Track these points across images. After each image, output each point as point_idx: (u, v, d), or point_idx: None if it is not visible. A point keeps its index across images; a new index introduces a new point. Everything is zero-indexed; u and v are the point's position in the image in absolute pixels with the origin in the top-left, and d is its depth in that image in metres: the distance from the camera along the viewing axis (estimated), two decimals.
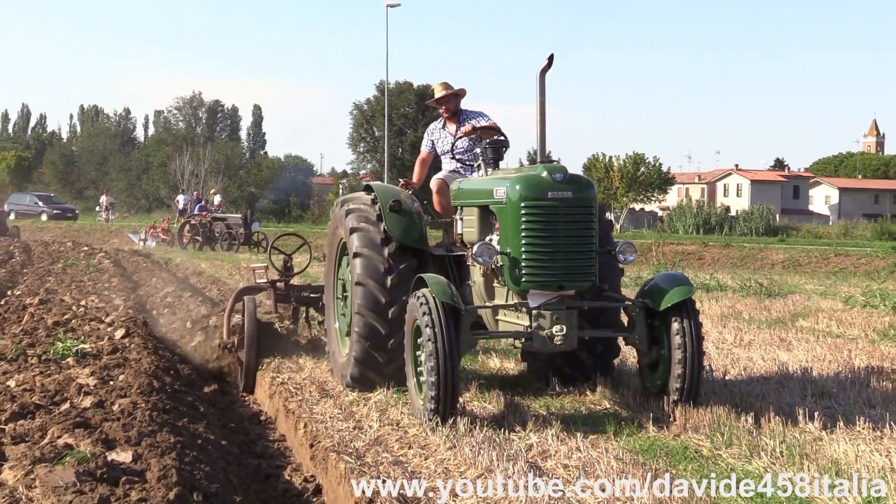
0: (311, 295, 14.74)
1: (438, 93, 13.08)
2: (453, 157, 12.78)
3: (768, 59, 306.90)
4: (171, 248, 49.68)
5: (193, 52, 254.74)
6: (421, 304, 9.45)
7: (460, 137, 12.70)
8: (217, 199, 66.97)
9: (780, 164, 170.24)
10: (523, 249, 9.72)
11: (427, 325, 9.26)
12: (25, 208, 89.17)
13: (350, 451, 9.22)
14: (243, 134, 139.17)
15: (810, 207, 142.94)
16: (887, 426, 9.63)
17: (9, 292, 22.92)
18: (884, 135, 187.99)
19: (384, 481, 8.16)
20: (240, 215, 53.93)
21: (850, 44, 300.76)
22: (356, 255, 11.28)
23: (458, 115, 13.07)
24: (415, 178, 13.05)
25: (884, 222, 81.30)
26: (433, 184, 12.70)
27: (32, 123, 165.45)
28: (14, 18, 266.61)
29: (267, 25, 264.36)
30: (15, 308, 19.31)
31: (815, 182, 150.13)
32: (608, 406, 11.13)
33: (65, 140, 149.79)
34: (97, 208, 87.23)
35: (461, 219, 11.57)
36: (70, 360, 12.57)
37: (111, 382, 10.80)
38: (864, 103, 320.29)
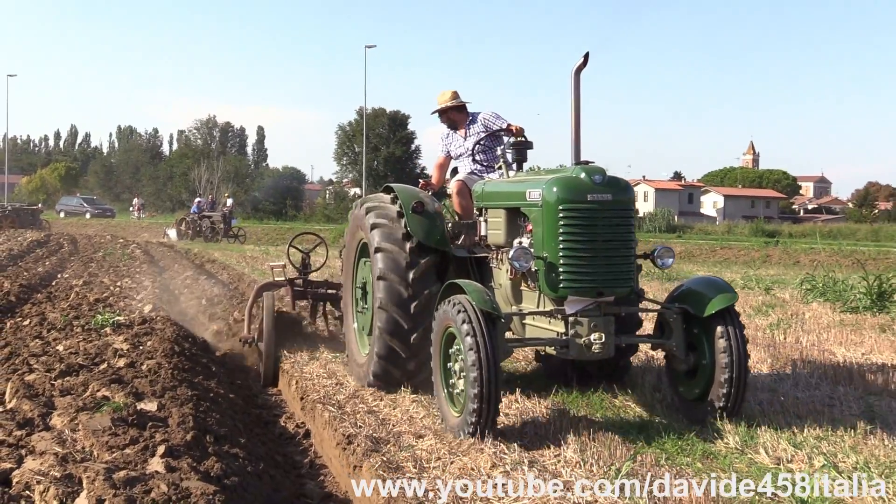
0: (328, 291, 12.81)
1: (440, 103, 10.88)
2: (473, 160, 10.60)
3: (669, 89, 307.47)
4: (191, 241, 49.42)
5: (209, 83, 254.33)
6: (459, 311, 7.48)
7: (473, 147, 10.55)
8: (230, 201, 67.29)
9: (678, 176, 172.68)
10: (561, 254, 7.77)
11: (468, 335, 7.29)
12: (73, 208, 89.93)
13: (332, 402, 9.23)
14: (249, 149, 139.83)
15: (702, 210, 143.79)
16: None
17: (59, 275, 22.93)
18: (758, 153, 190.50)
19: (360, 427, 8.16)
20: (220, 214, 54.10)
21: (735, 79, 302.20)
22: (378, 249, 9.28)
23: (464, 121, 10.93)
24: (434, 181, 10.89)
25: (759, 223, 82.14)
26: (453, 186, 10.51)
27: (79, 140, 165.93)
28: (65, 55, 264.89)
29: (270, 62, 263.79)
30: (63, 288, 19.38)
31: (706, 190, 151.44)
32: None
33: (105, 154, 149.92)
34: (130, 209, 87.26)
35: (485, 220, 9.43)
36: (108, 329, 12.56)
37: (140, 347, 10.75)
38: (744, 128, 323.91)
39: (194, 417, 7.48)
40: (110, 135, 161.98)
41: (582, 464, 6.87)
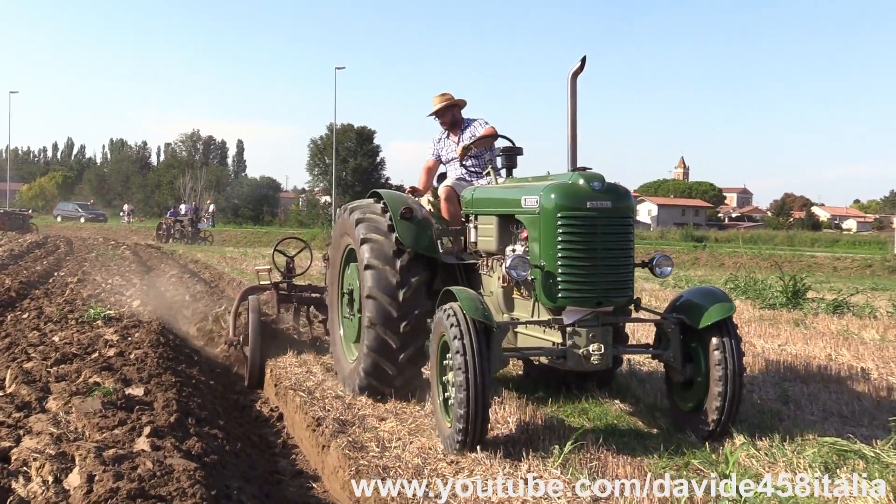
0: (312, 295, 11.85)
1: (436, 104, 9.59)
2: (462, 165, 9.35)
3: (611, 107, 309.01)
4: (174, 243, 49.22)
5: (194, 100, 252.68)
6: (449, 319, 6.52)
7: (465, 155, 9.28)
8: (212, 207, 67.68)
9: None
10: (560, 263, 6.75)
11: (458, 352, 6.31)
12: (68, 213, 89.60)
13: (303, 389, 9.23)
14: (229, 160, 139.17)
15: (638, 218, 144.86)
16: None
17: (55, 274, 22.81)
18: (688, 167, 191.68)
19: (328, 410, 8.17)
20: (188, 218, 54.33)
21: (669, 99, 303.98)
22: (367, 266, 8.12)
23: (458, 125, 9.66)
24: (421, 185, 9.68)
25: (688, 229, 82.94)
26: (442, 191, 9.24)
27: (75, 151, 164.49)
28: (62, 73, 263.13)
29: (248, 81, 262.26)
30: (59, 285, 19.34)
31: (641, 199, 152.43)
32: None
33: (98, 164, 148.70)
34: (121, 214, 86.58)
35: (475, 227, 8.29)
36: (99, 322, 12.51)
37: (129, 338, 10.74)
38: (676, 144, 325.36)
39: (177, 401, 7.49)
40: (103, 147, 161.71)
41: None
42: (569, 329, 6.80)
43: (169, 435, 6.45)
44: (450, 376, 6.71)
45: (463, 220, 8.69)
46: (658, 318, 7.44)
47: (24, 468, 5.56)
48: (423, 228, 8.25)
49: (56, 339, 10.79)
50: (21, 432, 6.40)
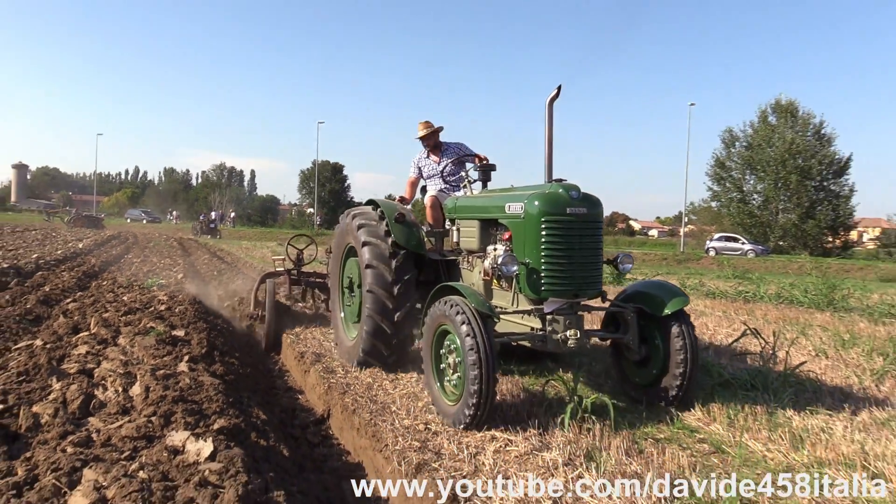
0: (317, 280, 10.76)
1: (421, 131, 8.45)
2: (443, 180, 8.27)
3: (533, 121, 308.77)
4: (209, 238, 48.70)
5: (222, 142, 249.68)
6: (458, 312, 5.31)
7: (446, 166, 8.26)
8: (233, 214, 67.22)
9: None
10: (543, 261, 5.69)
11: (468, 335, 5.15)
12: (135, 217, 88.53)
13: (293, 333, 9.19)
14: (245, 183, 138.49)
15: None
16: None
17: (125, 256, 22.39)
18: None
19: (308, 347, 8.11)
20: (207, 221, 54.74)
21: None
22: (368, 266, 7.01)
23: (439, 147, 8.53)
24: (407, 196, 8.49)
25: None
26: (427, 201, 8.20)
27: (140, 175, 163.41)
28: (132, 118, 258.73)
29: (260, 130, 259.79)
30: (128, 263, 18.99)
31: None
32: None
33: (156, 184, 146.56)
34: (170, 218, 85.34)
35: (457, 229, 7.17)
36: (154, 288, 12.28)
37: (174, 298, 10.57)
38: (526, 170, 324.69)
39: (207, 340, 7.42)
40: (159, 172, 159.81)
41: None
42: (548, 317, 5.73)
43: (201, 361, 6.42)
44: (450, 359, 5.47)
45: (449, 224, 7.42)
46: (620, 307, 6.14)
47: (103, 381, 5.50)
48: (413, 230, 7.22)
49: (125, 298, 10.59)
50: (100, 358, 6.32)
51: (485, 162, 7.76)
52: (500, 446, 4.78)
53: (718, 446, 5.00)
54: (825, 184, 56.50)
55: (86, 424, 4.64)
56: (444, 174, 8.30)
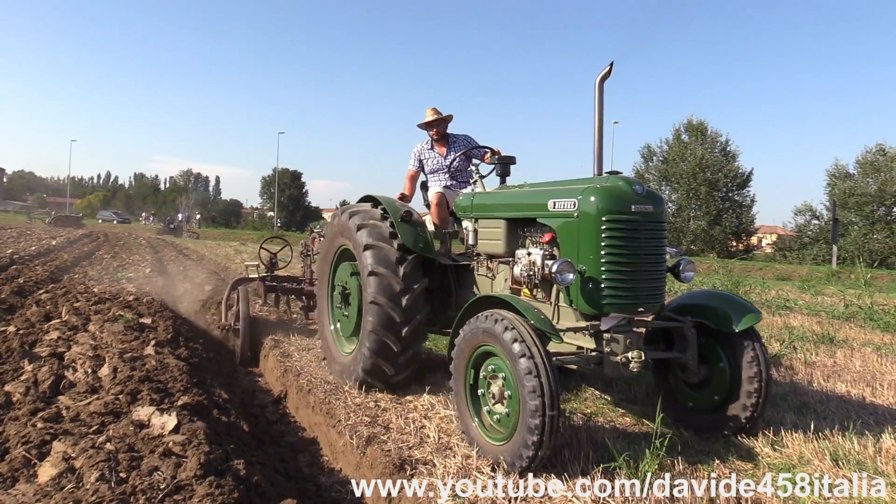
0: (294, 286, 8.86)
1: (429, 117, 6.77)
2: (449, 175, 6.68)
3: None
4: (174, 237, 47.92)
5: (189, 149, 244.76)
6: (507, 328, 3.85)
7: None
8: (198, 216, 66.24)
9: None
10: (604, 268, 4.21)
11: (523, 355, 3.71)
12: (106, 217, 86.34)
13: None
14: (211, 188, 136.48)
15: None
16: None
17: (96, 252, 21.78)
18: None
19: (267, 336, 8.00)
20: (173, 223, 53.87)
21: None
22: (371, 273, 5.34)
23: (446, 138, 6.84)
24: (407, 192, 6.81)
25: None
26: (433, 197, 6.35)
27: (112, 179, 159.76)
28: (104, 126, 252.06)
29: (223, 139, 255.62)
30: (99, 259, 18.46)
31: None
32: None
33: (127, 188, 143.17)
34: (140, 219, 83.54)
35: (474, 230, 5.52)
36: (124, 280, 11.99)
37: (143, 289, 10.32)
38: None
39: (173, 327, 7.26)
40: (129, 177, 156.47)
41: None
42: (605, 335, 4.25)
43: (167, 346, 6.26)
44: (493, 388, 4.03)
45: (467, 224, 5.71)
46: (677, 321, 4.66)
47: (73, 363, 5.33)
48: (420, 230, 5.65)
49: (95, 289, 10.30)
50: (71, 343, 6.12)
51: (498, 154, 6.26)
52: (444, 417, 4.77)
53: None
54: (730, 194, 58.05)
55: (56, 402, 4.49)
56: (453, 168, 6.71)
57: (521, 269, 4.67)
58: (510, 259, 4.97)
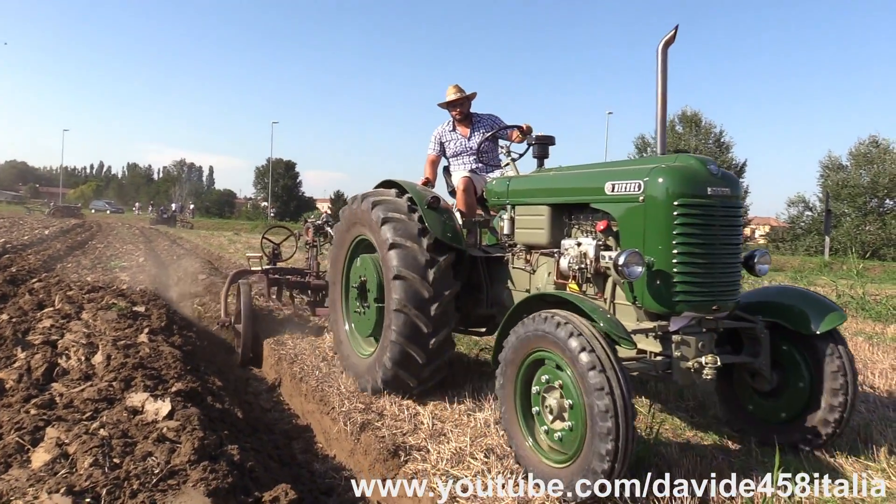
0: (299, 279, 8.26)
1: (451, 95, 6.06)
2: (477, 158, 5.88)
3: None
4: (168, 227, 47.86)
5: (183, 139, 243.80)
6: (571, 334, 3.21)
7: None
8: (192, 206, 66.12)
9: None
10: (676, 259, 3.59)
11: (593, 368, 3.09)
12: (99, 207, 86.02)
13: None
14: (204, 178, 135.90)
15: None
16: None
17: (90, 242, 21.75)
18: None
19: (263, 326, 7.98)
20: (166, 213, 53.19)
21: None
22: (392, 245, 4.75)
23: (469, 118, 6.14)
24: (430, 177, 6.06)
25: None
26: (459, 182, 5.63)
27: (105, 169, 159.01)
28: (97, 115, 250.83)
29: (218, 127, 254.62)
30: (92, 248, 18.44)
31: None
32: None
33: (120, 178, 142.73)
34: (133, 209, 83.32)
35: (510, 218, 4.90)
36: (117, 269, 11.99)
37: (136, 278, 10.31)
38: None
39: (167, 315, 7.24)
40: (122, 167, 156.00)
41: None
42: (675, 338, 3.66)
43: (160, 333, 6.25)
44: (551, 402, 3.42)
45: (506, 211, 5.05)
46: (749, 321, 4.03)
47: (66, 351, 5.31)
48: (448, 218, 4.99)
49: (89, 278, 10.30)
50: (64, 331, 6.09)
51: (529, 132, 5.66)
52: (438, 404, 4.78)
53: None
54: None
55: (49, 389, 4.48)
56: (479, 151, 5.96)
57: (570, 262, 4.13)
58: (555, 251, 4.40)
